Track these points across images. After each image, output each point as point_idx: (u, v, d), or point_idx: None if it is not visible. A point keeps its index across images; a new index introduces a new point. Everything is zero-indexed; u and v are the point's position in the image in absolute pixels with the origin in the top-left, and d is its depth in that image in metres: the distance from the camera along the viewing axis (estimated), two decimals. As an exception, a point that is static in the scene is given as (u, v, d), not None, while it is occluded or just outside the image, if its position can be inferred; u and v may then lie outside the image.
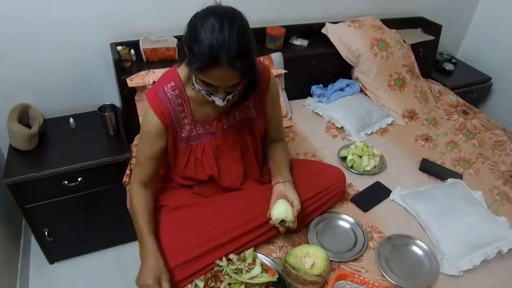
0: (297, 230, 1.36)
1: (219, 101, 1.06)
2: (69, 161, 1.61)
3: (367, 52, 2.10)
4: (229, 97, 1.07)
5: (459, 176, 1.72)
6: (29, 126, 1.69)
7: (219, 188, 1.35)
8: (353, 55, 2.12)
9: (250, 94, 1.20)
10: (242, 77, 1.00)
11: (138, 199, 1.22)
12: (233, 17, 0.95)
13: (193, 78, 1.06)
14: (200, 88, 1.04)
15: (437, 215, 1.46)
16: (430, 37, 2.39)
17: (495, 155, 1.91)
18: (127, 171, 1.64)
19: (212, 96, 1.06)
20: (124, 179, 1.63)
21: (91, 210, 1.78)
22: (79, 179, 1.64)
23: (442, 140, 1.97)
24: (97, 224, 1.84)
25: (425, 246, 1.37)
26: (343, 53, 2.12)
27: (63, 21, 1.66)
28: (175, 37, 1.78)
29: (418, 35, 2.42)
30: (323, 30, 2.18)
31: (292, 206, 1.20)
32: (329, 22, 2.18)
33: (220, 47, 0.91)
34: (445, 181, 1.68)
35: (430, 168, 1.75)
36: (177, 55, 1.77)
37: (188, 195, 1.36)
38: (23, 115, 1.71)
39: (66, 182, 1.62)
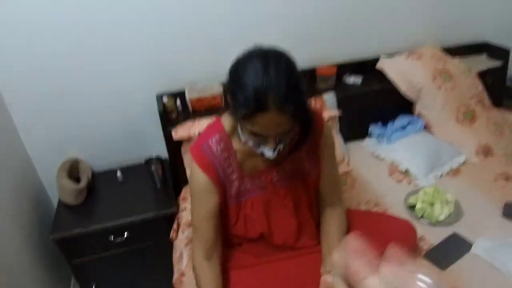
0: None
1: (269, 153, 0.95)
2: (116, 216, 1.60)
3: (430, 85, 1.95)
4: (280, 147, 0.96)
5: (556, 222, 1.46)
6: (78, 179, 1.72)
7: (270, 246, 1.22)
8: (414, 89, 1.96)
9: (304, 142, 1.08)
10: (294, 122, 0.90)
11: (203, 276, 1.10)
12: (278, 57, 0.88)
13: (239, 128, 0.97)
14: (248, 138, 0.95)
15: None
16: (498, 63, 2.20)
17: None
18: (174, 226, 1.58)
19: (261, 147, 0.95)
20: (171, 235, 1.56)
21: (138, 265, 1.73)
22: (126, 234, 1.60)
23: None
24: (144, 279, 1.78)
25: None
26: (403, 88, 1.97)
27: (110, 72, 1.69)
28: (221, 83, 1.74)
29: (484, 62, 2.24)
30: (378, 66, 2.05)
31: None
32: (384, 55, 2.05)
33: (267, 89, 0.84)
34: (538, 228, 1.43)
35: (517, 214, 1.51)
36: (223, 102, 1.72)
37: (237, 255, 1.23)
38: (73, 169, 1.74)
39: (113, 237, 1.60)
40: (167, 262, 1.56)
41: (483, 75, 2.13)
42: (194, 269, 1.14)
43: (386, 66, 2.03)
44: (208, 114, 1.66)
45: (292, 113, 0.87)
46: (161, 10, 1.64)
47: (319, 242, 1.24)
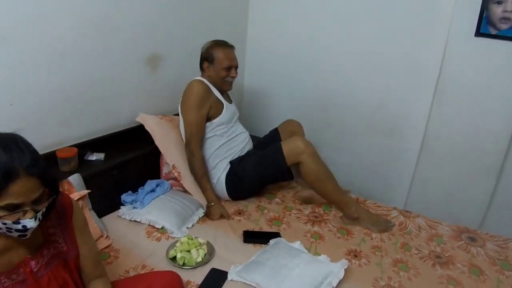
0: None
1: (30, 222, 0.97)
2: None
3: (181, 142, 2.25)
4: (39, 215, 0.99)
5: (277, 235, 1.91)
6: None
7: None
8: (166, 143, 2.22)
9: (51, 207, 1.10)
10: (44, 184, 0.98)
11: None
12: (13, 136, 0.98)
13: None
14: (5, 219, 0.94)
15: (272, 278, 1.57)
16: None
17: (297, 204, 2.23)
18: None
19: (21, 221, 0.96)
20: None
21: None
22: None
23: (251, 209, 2.18)
24: None
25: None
26: (157, 141, 2.20)
27: None
28: None
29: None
30: (138, 119, 2.24)
31: None
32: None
33: (12, 160, 0.92)
34: (268, 244, 1.84)
35: (252, 237, 1.90)
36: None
37: None
38: None
39: None
40: None
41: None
42: None
43: (144, 120, 2.25)
44: None
45: (40, 174, 0.96)
46: None
47: None
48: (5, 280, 1.05)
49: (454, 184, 2.56)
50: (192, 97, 2.12)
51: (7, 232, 0.99)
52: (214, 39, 2.26)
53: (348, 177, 2.83)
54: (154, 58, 2.35)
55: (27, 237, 1.02)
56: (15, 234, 1.00)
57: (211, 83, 2.20)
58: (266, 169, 2.17)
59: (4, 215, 0.94)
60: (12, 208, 0.94)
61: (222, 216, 2.08)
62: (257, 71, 3.14)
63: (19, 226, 0.97)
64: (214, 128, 2.21)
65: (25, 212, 0.96)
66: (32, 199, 0.96)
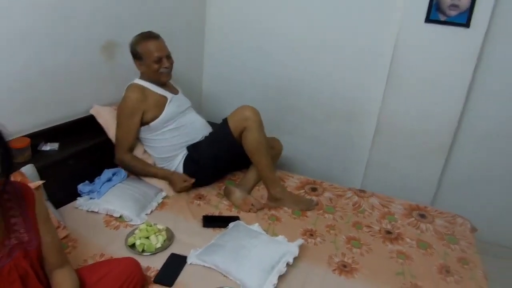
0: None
1: None
2: None
3: None
4: None
5: (237, 218, 1.96)
6: None
7: None
8: None
9: (9, 168, 1.09)
10: None
11: None
12: None
13: None
14: None
15: (232, 259, 1.61)
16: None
17: (254, 191, 2.26)
18: None
19: None
20: None
21: None
22: None
23: (212, 194, 2.21)
24: None
25: (233, 291, 1.48)
26: (110, 134, 2.19)
27: None
28: None
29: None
30: (92, 111, 2.21)
31: None
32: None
33: None
34: (227, 227, 1.87)
35: (211, 222, 1.93)
36: None
37: None
38: None
39: None
40: None
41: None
42: None
43: (97, 112, 2.21)
44: None
45: None
46: None
47: None
48: None
49: (407, 165, 2.69)
50: (124, 105, 2.10)
51: None
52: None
53: (307, 163, 2.91)
54: (110, 45, 2.30)
55: None
56: None
57: (148, 80, 2.16)
58: (217, 146, 2.18)
59: None
60: None
61: (185, 182, 2.13)
62: (216, 59, 3.14)
63: None
64: (162, 125, 2.17)
65: None
66: None
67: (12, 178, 1.15)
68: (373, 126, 2.70)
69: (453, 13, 2.28)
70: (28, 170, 1.79)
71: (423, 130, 2.57)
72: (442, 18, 2.31)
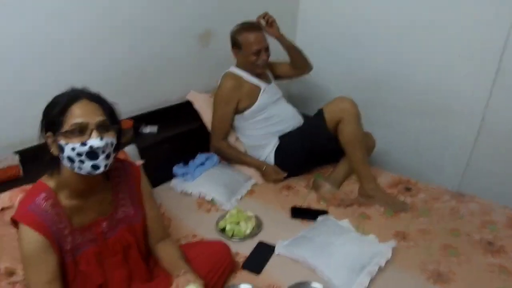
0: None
1: (96, 141, 1.03)
2: None
3: None
4: (106, 139, 1.05)
5: (325, 212, 1.91)
6: None
7: None
8: None
9: (120, 145, 1.17)
10: (104, 113, 1.08)
11: None
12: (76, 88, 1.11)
13: (62, 143, 1.03)
14: (73, 145, 1.01)
15: (320, 254, 1.58)
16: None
17: (343, 186, 2.18)
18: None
19: (87, 143, 1.02)
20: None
21: None
22: None
23: (300, 186, 2.18)
24: None
25: (320, 286, 1.45)
26: (205, 118, 2.27)
27: None
28: (17, 152, 1.64)
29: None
30: (188, 97, 2.32)
31: None
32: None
33: (76, 90, 1.09)
34: (316, 220, 1.84)
35: (300, 214, 1.91)
36: (22, 171, 1.60)
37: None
38: None
39: None
40: None
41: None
42: None
43: (194, 98, 2.31)
44: (6, 189, 1.47)
45: (100, 102, 1.08)
46: None
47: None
48: (79, 236, 1.14)
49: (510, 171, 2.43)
50: (220, 92, 2.14)
51: (80, 166, 1.04)
52: (244, 21, 2.16)
53: (399, 159, 2.76)
54: (207, 34, 2.36)
55: (99, 170, 1.06)
56: (88, 167, 1.04)
57: (243, 69, 2.18)
58: (310, 138, 2.14)
59: (72, 138, 1.02)
60: (78, 130, 1.02)
61: (278, 174, 2.16)
62: (308, 47, 3.07)
63: (86, 148, 1.02)
64: (255, 115, 2.19)
65: (90, 133, 1.03)
66: (96, 122, 1.04)
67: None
68: (475, 126, 2.47)
69: None
70: (131, 150, 1.91)
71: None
72: None
